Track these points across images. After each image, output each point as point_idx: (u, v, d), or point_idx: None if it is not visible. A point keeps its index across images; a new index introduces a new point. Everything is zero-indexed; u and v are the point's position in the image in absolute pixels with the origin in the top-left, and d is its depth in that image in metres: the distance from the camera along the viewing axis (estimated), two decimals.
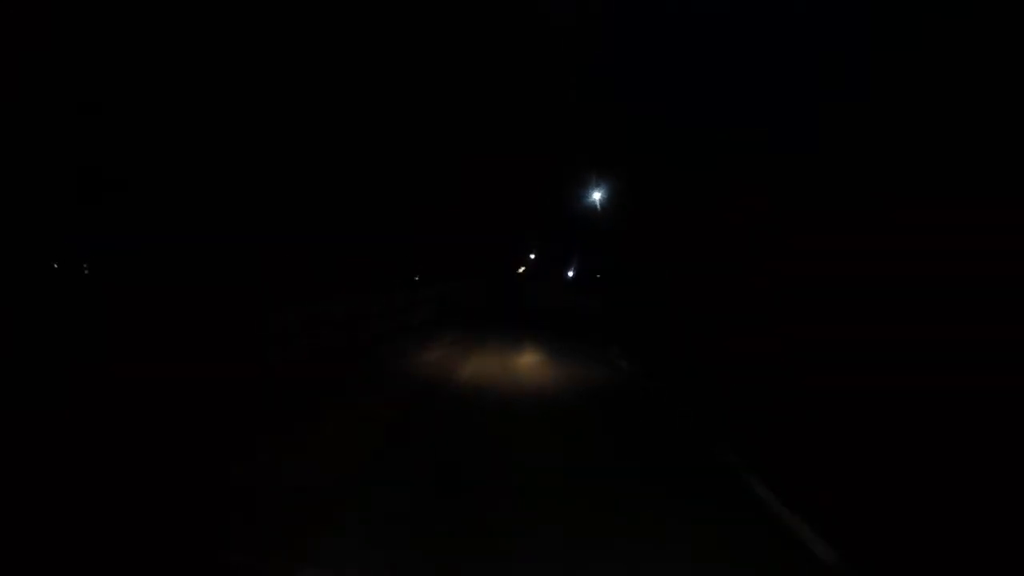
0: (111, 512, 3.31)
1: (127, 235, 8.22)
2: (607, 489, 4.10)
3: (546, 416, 6.08)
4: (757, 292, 13.22)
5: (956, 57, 8.21)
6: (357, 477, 4.00)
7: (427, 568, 2.93)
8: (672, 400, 7.14)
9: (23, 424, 4.55)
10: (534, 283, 31.66)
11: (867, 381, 7.28)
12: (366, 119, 16.20)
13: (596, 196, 23.07)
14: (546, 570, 2.96)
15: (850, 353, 8.50)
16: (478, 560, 3.01)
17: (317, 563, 2.88)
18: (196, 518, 3.32)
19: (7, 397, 4.87)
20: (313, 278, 12.74)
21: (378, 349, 9.28)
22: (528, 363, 9.31)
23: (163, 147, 9.00)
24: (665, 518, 3.64)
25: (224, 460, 4.18)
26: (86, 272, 9.87)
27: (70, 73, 7.33)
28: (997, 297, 7.13)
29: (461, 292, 17.88)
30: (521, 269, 45.99)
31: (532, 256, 47.28)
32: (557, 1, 17.46)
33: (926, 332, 7.41)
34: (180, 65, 8.96)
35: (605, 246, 31.48)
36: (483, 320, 15.19)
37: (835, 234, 10.10)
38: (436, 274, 17.52)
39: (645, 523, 3.55)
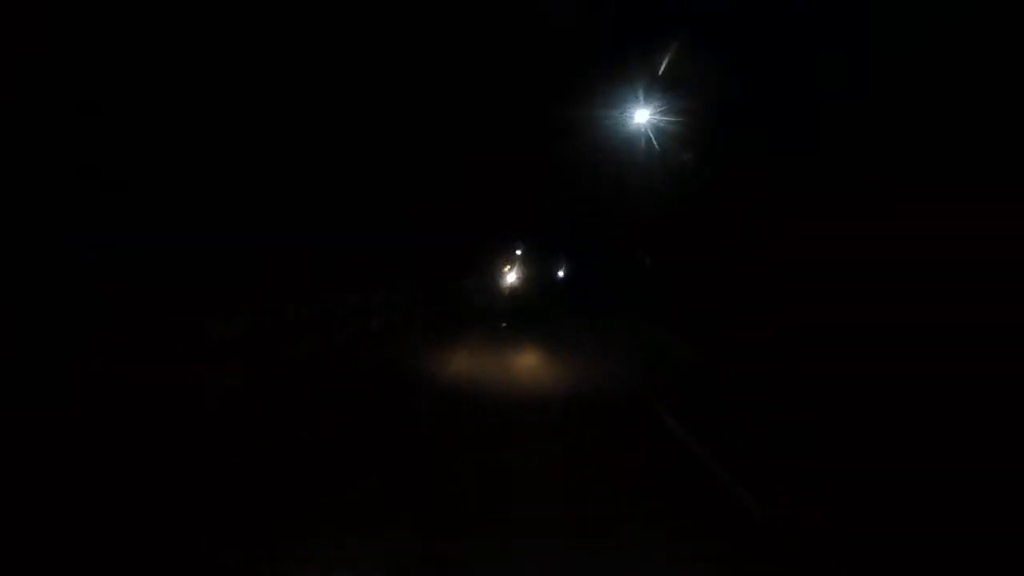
0: (110, 512, 3.31)
1: (127, 235, 8.20)
2: None
3: None
4: (754, 278, 13.19)
5: (956, 57, 8.20)
6: None
7: None
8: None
9: (23, 424, 4.55)
10: None
11: (866, 368, 7.28)
12: (366, 119, 16.20)
13: (642, 119, 17.53)
14: None
15: (848, 339, 8.49)
16: None
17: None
18: (193, 519, 3.32)
19: (7, 397, 4.86)
20: (313, 278, 12.75)
21: None
22: None
23: (163, 147, 8.99)
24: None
25: (220, 458, 4.17)
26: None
27: (70, 73, 7.33)
28: (998, 283, 7.08)
29: None
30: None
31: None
32: (557, 1, 17.44)
33: (927, 318, 7.36)
34: (180, 65, 8.96)
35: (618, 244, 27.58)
36: None
37: (832, 220, 10.07)
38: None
39: None
